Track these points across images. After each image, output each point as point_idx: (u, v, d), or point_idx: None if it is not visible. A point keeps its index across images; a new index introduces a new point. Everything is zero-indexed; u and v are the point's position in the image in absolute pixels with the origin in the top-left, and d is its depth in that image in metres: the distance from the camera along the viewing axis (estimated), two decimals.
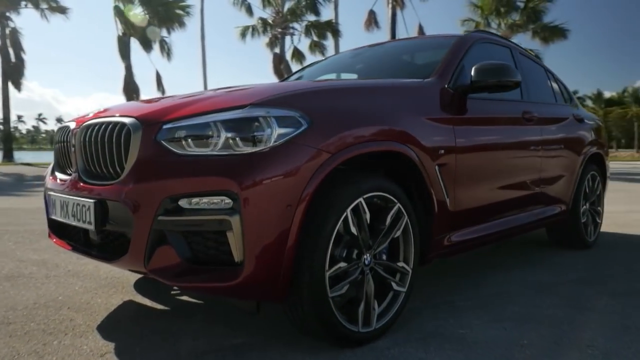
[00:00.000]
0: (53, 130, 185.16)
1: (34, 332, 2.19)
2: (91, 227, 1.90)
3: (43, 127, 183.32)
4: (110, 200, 1.86)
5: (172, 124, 1.82)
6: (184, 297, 2.76)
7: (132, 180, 1.80)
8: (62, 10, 23.77)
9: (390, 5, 21.79)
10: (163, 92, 25.78)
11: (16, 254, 3.80)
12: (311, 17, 23.23)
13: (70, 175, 2.17)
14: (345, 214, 1.90)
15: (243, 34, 23.05)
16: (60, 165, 2.32)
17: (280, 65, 22.72)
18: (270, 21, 23.00)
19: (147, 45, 23.84)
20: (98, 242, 2.09)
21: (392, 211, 2.13)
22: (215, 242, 1.73)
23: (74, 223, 2.01)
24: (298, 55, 23.70)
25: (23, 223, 5.29)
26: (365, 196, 1.98)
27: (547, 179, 3.49)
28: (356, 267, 2.00)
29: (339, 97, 2.10)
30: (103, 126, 1.97)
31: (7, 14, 22.97)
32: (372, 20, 23.48)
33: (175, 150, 1.78)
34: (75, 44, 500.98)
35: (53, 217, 2.21)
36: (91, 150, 2.01)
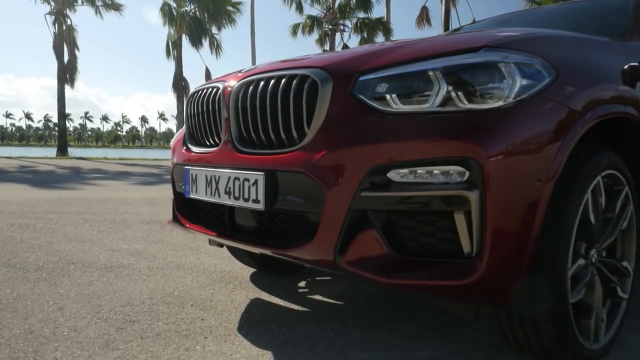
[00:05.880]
0: (99, 129, 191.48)
1: (167, 334, 1.82)
2: (259, 207, 1.51)
3: (89, 125, 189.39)
4: (285, 172, 1.47)
5: (371, 75, 1.41)
6: (317, 296, 2.35)
7: (322, 146, 1.40)
8: (117, 7, 23.89)
9: (444, 1, 21.07)
10: None
11: (105, 242, 3.50)
12: (361, 14, 22.78)
13: (216, 146, 1.80)
14: (586, 196, 1.46)
15: (294, 32, 22.79)
16: (198, 135, 1.95)
17: None
18: (320, 18, 22.65)
19: (196, 42, 23.87)
20: (254, 227, 1.71)
21: (621, 196, 1.67)
22: (439, 226, 1.31)
23: (229, 202, 1.63)
24: None
25: (99, 212, 5.03)
26: (602, 174, 1.53)
27: None
28: (588, 265, 1.55)
29: (579, 47, 1.64)
30: (272, 82, 1.57)
31: (65, 11, 23.37)
32: (424, 17, 22.81)
33: (380, 107, 1.37)
34: (116, 44, 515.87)
35: (192, 195, 1.83)
36: (253, 113, 1.62)
